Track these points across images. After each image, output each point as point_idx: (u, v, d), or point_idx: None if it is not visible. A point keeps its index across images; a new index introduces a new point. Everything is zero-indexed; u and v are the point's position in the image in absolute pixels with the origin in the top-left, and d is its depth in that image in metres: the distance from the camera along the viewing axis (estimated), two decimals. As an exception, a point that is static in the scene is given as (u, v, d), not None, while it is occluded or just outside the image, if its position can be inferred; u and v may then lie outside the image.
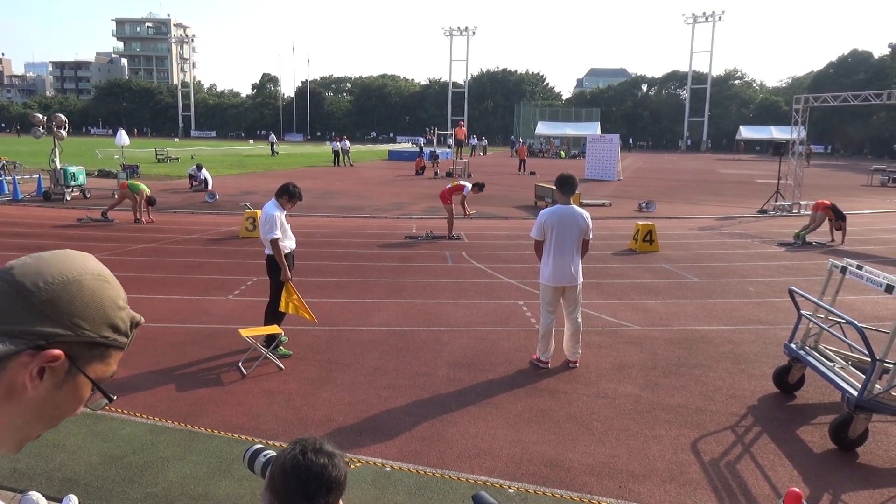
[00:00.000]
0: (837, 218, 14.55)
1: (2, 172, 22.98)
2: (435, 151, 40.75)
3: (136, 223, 15.59)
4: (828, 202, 14.69)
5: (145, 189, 16.08)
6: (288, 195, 6.80)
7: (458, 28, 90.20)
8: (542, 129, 70.73)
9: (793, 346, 6.01)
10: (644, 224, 13.44)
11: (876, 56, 77.25)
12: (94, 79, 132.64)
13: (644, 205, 20.51)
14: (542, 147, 65.67)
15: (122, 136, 28.53)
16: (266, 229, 6.61)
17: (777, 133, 64.47)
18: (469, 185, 15.38)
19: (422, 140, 46.86)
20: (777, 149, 21.26)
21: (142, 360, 6.55)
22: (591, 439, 5.03)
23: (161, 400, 5.60)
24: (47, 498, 3.98)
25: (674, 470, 4.59)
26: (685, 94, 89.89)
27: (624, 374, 6.42)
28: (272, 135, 56.02)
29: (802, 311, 5.99)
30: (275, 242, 6.61)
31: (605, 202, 21.73)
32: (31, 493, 3.89)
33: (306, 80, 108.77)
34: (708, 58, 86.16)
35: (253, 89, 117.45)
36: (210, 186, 22.79)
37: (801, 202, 20.51)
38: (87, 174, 21.82)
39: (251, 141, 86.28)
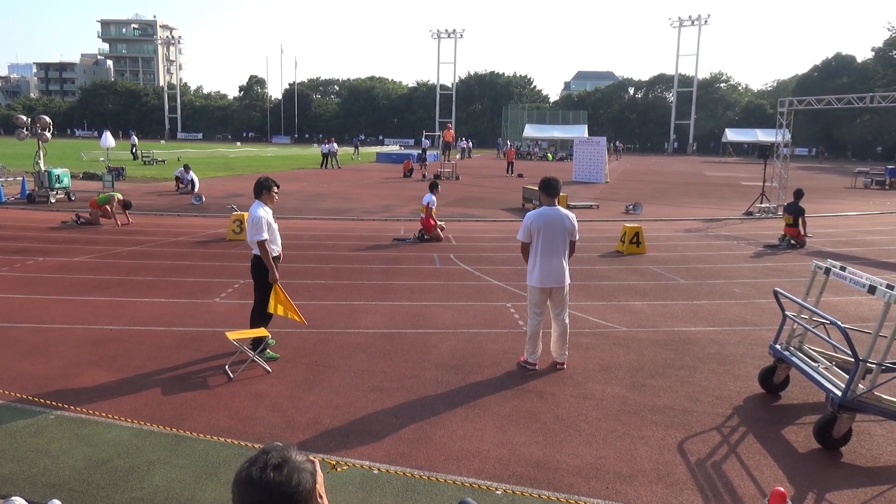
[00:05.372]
0: (800, 214, 14.55)
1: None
2: (423, 153, 40.72)
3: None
4: (790, 227, 14.60)
5: (116, 195, 16.03)
6: (264, 189, 6.77)
7: (446, 30, 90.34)
8: (530, 131, 70.90)
9: (778, 346, 6.06)
10: (631, 226, 13.51)
11: (859, 60, 78.16)
12: (80, 80, 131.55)
13: (631, 207, 20.63)
14: (529, 149, 65.85)
15: (108, 139, 28.30)
16: (253, 231, 6.58)
17: (762, 136, 65.04)
18: (433, 197, 14.37)
19: (428, 142, 46.33)
20: (762, 152, 21.47)
21: (127, 363, 6.50)
22: (579, 440, 5.04)
23: (147, 404, 5.55)
24: (30, 503, 3.94)
25: (660, 470, 4.61)
26: (671, 96, 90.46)
27: (611, 376, 6.45)
28: (132, 135, 47.85)
29: (787, 312, 6.05)
30: (262, 244, 6.58)
31: (593, 204, 21.83)
32: (14, 498, 3.85)
33: (294, 82, 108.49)
34: (694, 61, 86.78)
35: (240, 91, 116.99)
36: (197, 188, 22.67)
37: (784, 206, 20.68)
38: (71, 176, 21.62)
39: (238, 143, 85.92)
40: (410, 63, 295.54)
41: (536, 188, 7.08)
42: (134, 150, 43.03)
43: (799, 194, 14.79)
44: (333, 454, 4.72)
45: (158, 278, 10.31)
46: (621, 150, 67.04)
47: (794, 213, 14.48)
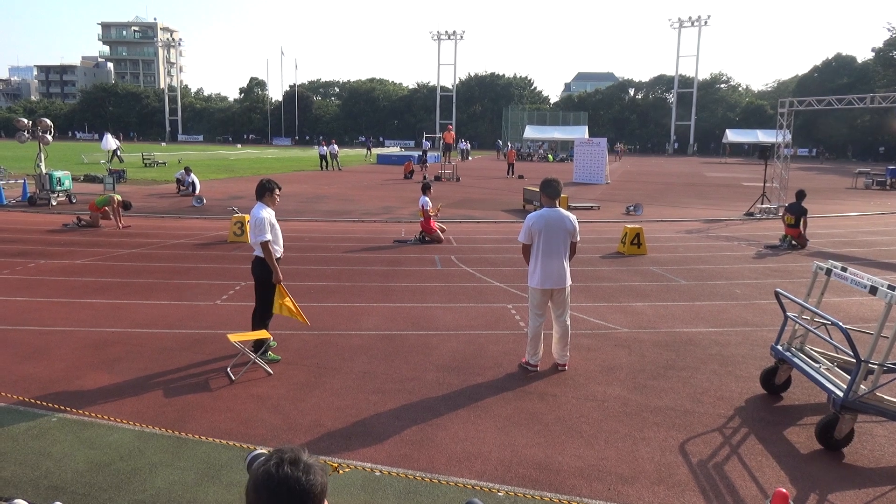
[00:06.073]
0: (802, 215, 14.49)
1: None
2: (424, 155, 40.70)
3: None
4: (792, 228, 14.56)
5: (116, 196, 16.06)
6: (267, 191, 6.80)
7: (446, 32, 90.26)
8: (531, 132, 70.93)
9: (779, 347, 6.06)
10: (632, 227, 13.51)
11: (860, 60, 78.17)
12: (80, 83, 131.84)
13: (632, 208, 20.62)
14: (530, 150, 65.86)
15: (109, 141, 28.37)
16: (256, 232, 6.60)
17: (762, 136, 65.06)
18: (426, 198, 14.49)
19: (428, 144, 46.04)
20: (763, 152, 21.48)
21: (129, 366, 6.51)
22: (580, 442, 5.04)
23: (149, 406, 5.56)
24: (33, 506, 3.92)
25: (662, 472, 4.61)
26: (672, 97, 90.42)
27: (612, 377, 6.45)
28: (105, 135, 40.98)
29: (788, 313, 6.04)
30: (265, 245, 6.59)
31: (593, 206, 21.83)
32: (17, 500, 3.85)
33: (294, 84, 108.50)
34: (694, 62, 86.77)
35: (240, 93, 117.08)
36: (198, 191, 22.68)
37: (786, 206, 20.69)
38: (72, 179, 21.64)
39: (239, 145, 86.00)
40: (411, 64, 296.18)
41: (537, 189, 7.08)
42: (118, 153, 39.88)
43: (801, 195, 14.75)
44: (335, 456, 4.73)
45: (160, 281, 10.32)
46: (619, 151, 66.68)
47: (797, 213, 14.45)
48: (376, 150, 64.24)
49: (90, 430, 5.07)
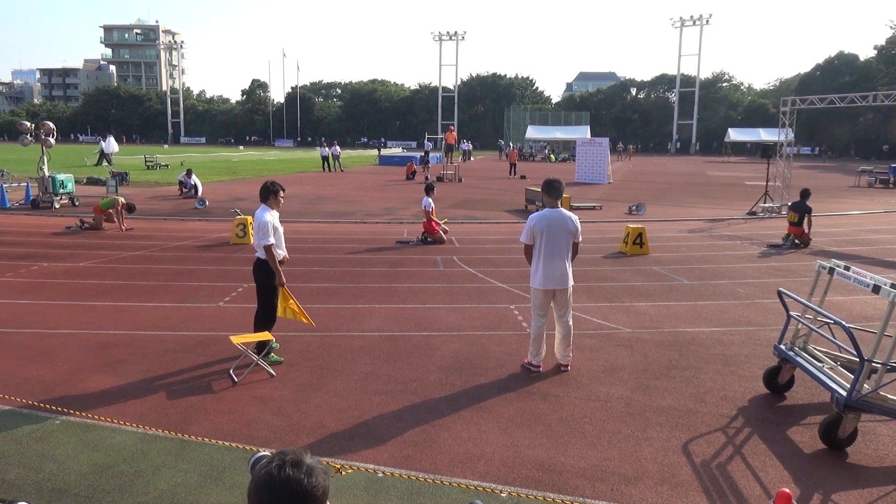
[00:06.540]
0: (806, 213, 14.43)
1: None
2: (426, 156, 40.71)
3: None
4: (794, 226, 14.54)
5: (120, 198, 16.09)
6: (271, 193, 6.82)
7: (448, 33, 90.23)
8: (532, 132, 70.92)
9: (782, 347, 6.05)
10: (634, 227, 13.50)
11: (862, 58, 78.00)
12: (83, 86, 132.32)
13: (634, 208, 20.60)
14: (532, 151, 65.79)
15: (111, 143, 28.38)
16: (260, 235, 6.61)
17: (765, 135, 65.03)
18: (429, 199, 14.49)
19: (430, 145, 45.87)
20: (765, 151, 21.43)
21: (132, 368, 6.52)
22: (583, 442, 5.04)
23: (152, 408, 5.56)
24: (36, 509, 3.92)
25: (665, 472, 4.60)
26: (674, 97, 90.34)
27: (615, 377, 6.44)
28: (108, 138, 38.21)
29: (791, 313, 6.03)
30: (269, 248, 6.61)
31: (596, 205, 21.81)
32: (21, 503, 3.85)
33: (296, 86, 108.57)
34: (696, 61, 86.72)
35: (242, 95, 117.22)
36: (200, 193, 22.70)
37: (790, 204, 20.64)
38: (75, 182, 21.69)
39: (241, 147, 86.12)
40: (412, 65, 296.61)
41: (539, 190, 7.08)
42: (106, 156, 37.22)
43: (806, 193, 14.68)
44: (338, 457, 4.73)
45: (162, 283, 10.34)
46: (621, 150, 66.14)
47: (801, 211, 14.39)
48: (376, 151, 64.28)
49: (93, 433, 5.08)
